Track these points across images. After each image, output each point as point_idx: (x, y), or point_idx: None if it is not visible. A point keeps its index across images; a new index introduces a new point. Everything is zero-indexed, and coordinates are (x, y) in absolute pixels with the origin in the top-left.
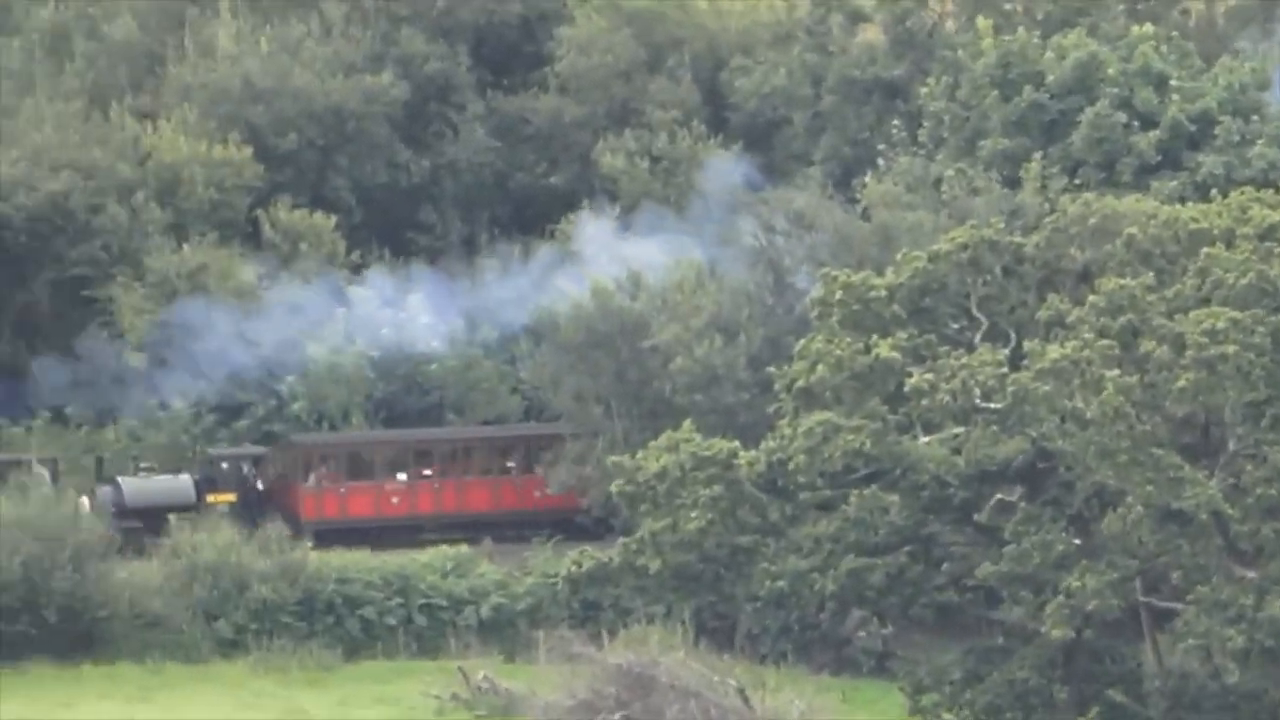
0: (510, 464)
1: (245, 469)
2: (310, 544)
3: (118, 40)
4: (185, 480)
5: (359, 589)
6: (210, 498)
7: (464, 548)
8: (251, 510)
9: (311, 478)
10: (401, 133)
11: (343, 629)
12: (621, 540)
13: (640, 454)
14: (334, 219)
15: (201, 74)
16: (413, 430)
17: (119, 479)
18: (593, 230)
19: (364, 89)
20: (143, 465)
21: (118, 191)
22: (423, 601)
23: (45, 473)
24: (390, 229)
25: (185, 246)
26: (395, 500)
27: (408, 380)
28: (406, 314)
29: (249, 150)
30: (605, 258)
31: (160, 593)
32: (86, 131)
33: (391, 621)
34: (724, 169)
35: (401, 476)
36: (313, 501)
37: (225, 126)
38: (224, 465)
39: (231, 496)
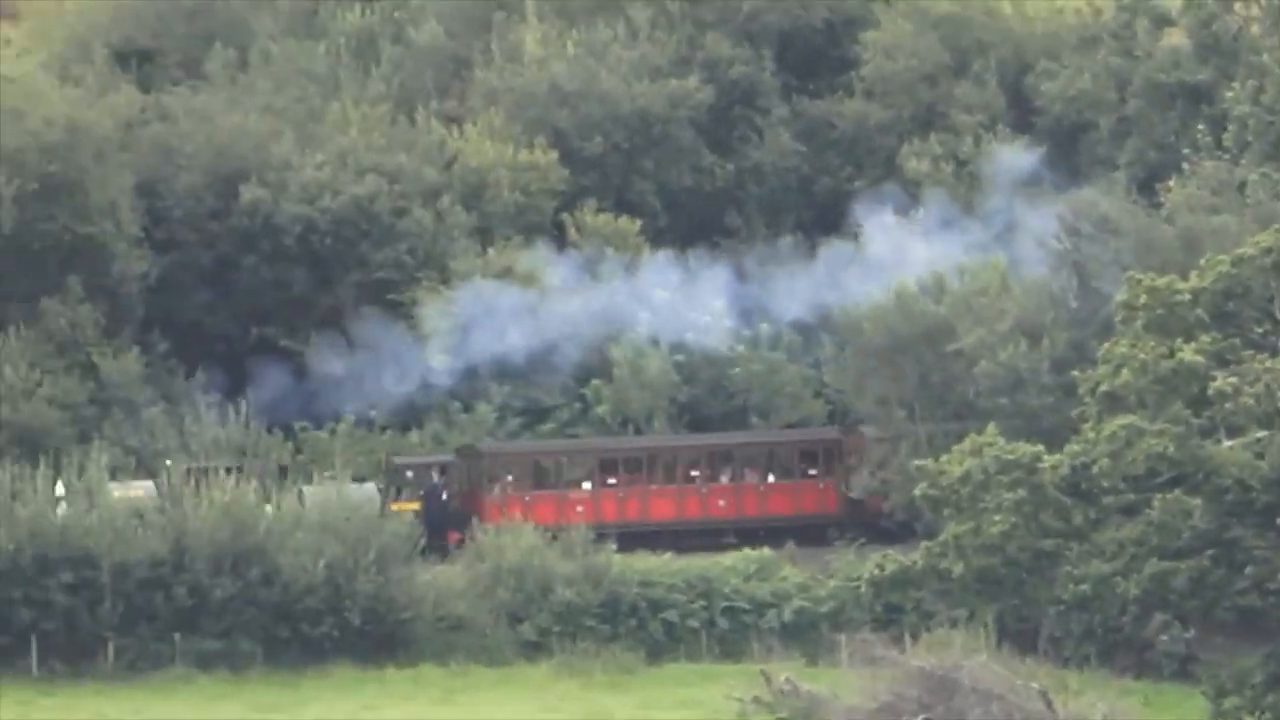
0: (695, 473)
1: (433, 477)
2: (614, 547)
3: (424, 44)
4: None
5: (662, 592)
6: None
7: (766, 551)
8: (435, 519)
9: (496, 486)
10: (706, 136)
11: (645, 632)
12: (925, 544)
13: (944, 457)
14: (639, 223)
15: (507, 78)
16: (595, 439)
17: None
18: (882, 226)
19: (669, 93)
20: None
21: (423, 195)
22: (725, 604)
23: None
24: (695, 233)
25: (490, 250)
26: (580, 509)
27: (712, 384)
28: (711, 318)
29: (554, 154)
30: (894, 254)
31: (464, 595)
32: (392, 135)
33: (694, 624)
34: (1012, 160)
35: (586, 485)
36: (497, 510)
37: (531, 130)
38: (409, 473)
39: (415, 505)
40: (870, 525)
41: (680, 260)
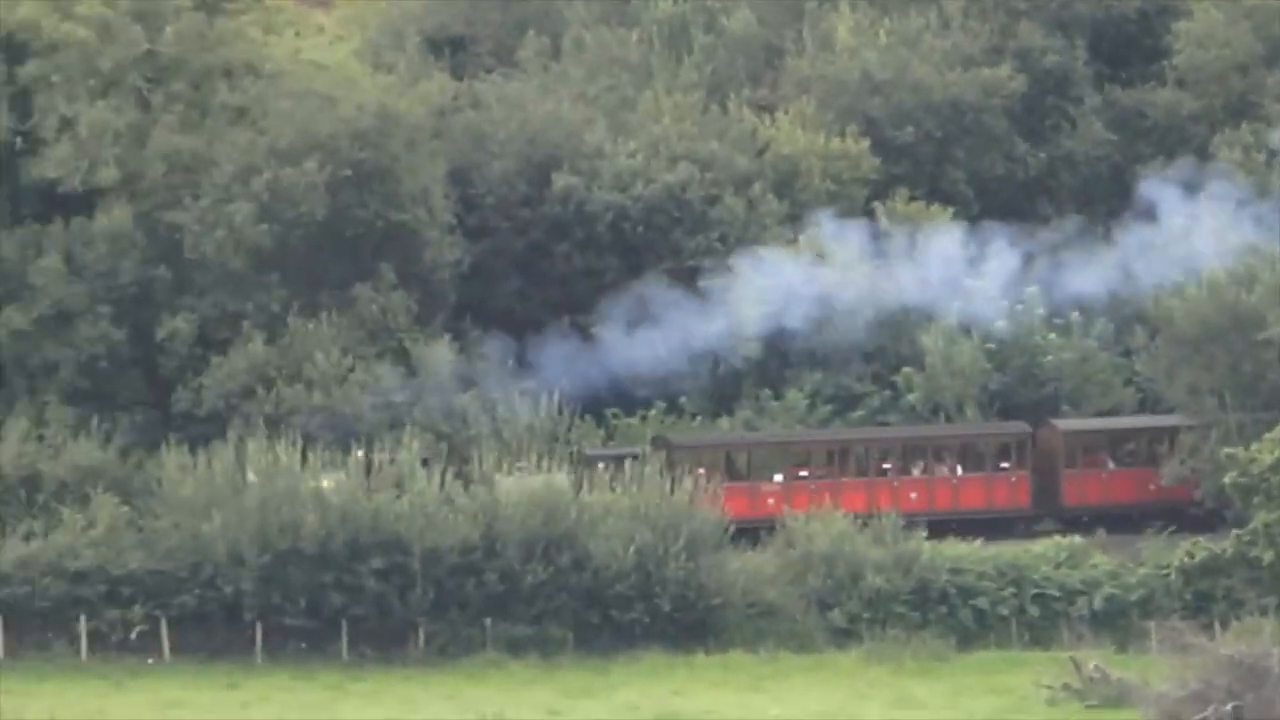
0: (887, 466)
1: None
2: (924, 534)
3: (736, 33)
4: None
5: (972, 579)
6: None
7: (1077, 538)
8: None
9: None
10: (1019, 125)
11: (955, 619)
12: (1234, 531)
13: (1254, 446)
14: (951, 210)
15: (820, 66)
16: (785, 432)
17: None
18: (1186, 214)
19: (982, 81)
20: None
21: (735, 183)
22: (1036, 592)
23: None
24: (1007, 221)
25: (801, 238)
26: (771, 502)
27: (1023, 372)
28: (1023, 306)
29: (866, 142)
30: (1189, 236)
31: (774, 582)
32: (704, 123)
33: (1004, 612)
34: None
35: (778, 478)
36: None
37: (843, 118)
38: (600, 465)
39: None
40: (1066, 519)
41: (973, 235)
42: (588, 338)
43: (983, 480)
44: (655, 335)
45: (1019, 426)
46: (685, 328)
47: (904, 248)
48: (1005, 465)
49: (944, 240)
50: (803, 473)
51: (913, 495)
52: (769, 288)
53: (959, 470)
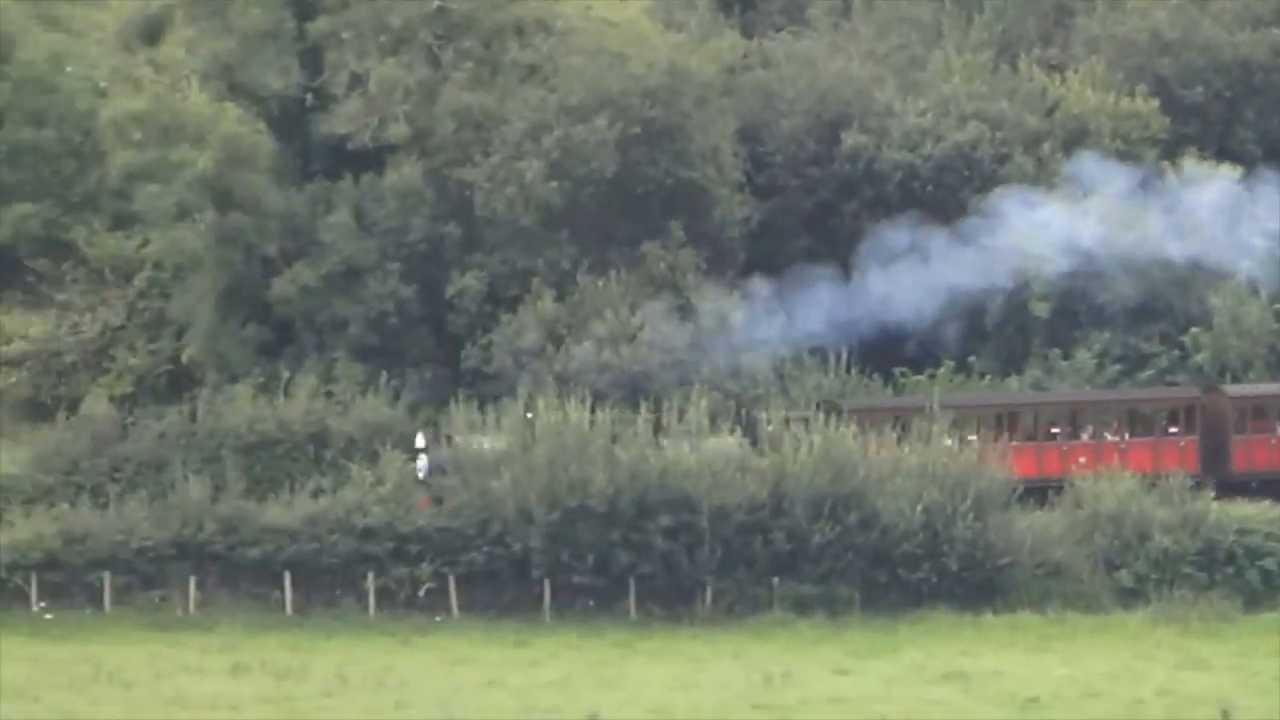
0: (1055, 430)
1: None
2: (1212, 494)
3: None
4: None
5: (1259, 540)
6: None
7: None
8: None
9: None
10: None
11: (1242, 580)
12: None
13: None
14: (1239, 171)
15: (1110, 25)
16: (952, 395)
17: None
18: None
19: (1271, 42)
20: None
21: (1024, 142)
22: None
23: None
24: None
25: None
26: None
27: None
28: None
29: (1155, 102)
30: None
31: (1062, 542)
32: (994, 82)
33: None
34: None
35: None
36: None
37: (1132, 78)
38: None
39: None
40: (1235, 487)
41: (1242, 185)
42: (850, 284)
43: (1150, 445)
44: (918, 282)
45: (1189, 392)
46: (951, 276)
47: (1175, 198)
48: (1174, 430)
49: (1213, 190)
50: (971, 436)
51: (1081, 459)
52: (1037, 236)
53: (1126, 435)
